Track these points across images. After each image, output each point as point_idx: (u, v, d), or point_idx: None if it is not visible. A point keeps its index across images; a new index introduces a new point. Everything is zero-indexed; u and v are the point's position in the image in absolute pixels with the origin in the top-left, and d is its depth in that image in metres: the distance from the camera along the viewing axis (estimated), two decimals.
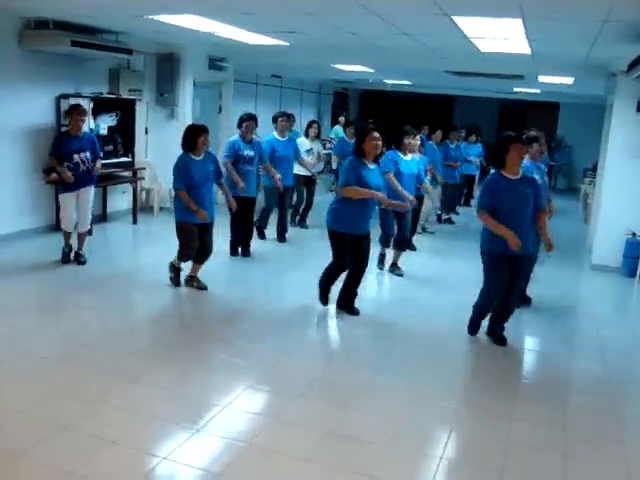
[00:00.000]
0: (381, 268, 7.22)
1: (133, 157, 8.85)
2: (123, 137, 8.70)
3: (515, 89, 13.57)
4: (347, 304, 5.62)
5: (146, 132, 9.31)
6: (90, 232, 7.93)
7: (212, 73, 10.13)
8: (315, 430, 3.62)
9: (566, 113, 16.76)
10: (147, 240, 8.58)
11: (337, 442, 3.52)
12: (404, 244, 7.23)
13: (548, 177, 6.74)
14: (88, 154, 6.46)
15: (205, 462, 3.24)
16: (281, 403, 3.97)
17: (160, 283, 6.04)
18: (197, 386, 4.13)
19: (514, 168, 4.82)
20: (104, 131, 8.35)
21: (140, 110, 8.95)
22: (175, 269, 6.03)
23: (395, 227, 7.02)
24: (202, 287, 6.05)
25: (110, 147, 8.51)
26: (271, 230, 8.38)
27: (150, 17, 6.43)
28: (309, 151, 9.07)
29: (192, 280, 6.09)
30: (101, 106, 8.20)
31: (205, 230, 5.94)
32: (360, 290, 5.65)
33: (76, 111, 6.45)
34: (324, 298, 5.70)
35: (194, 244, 5.89)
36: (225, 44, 8.46)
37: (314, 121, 9.63)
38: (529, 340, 5.48)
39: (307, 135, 9.28)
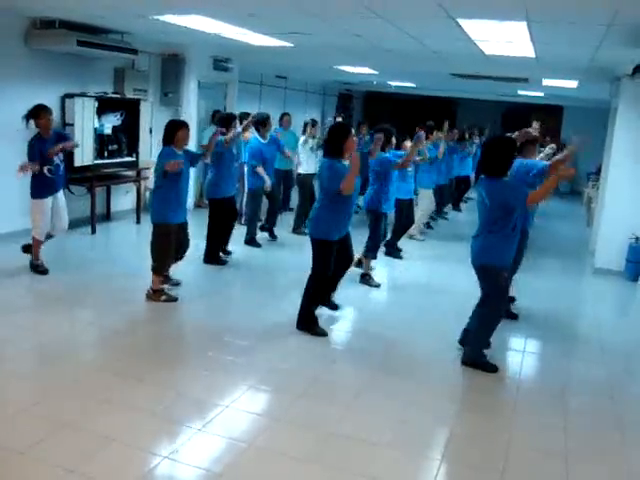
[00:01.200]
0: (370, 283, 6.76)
1: (137, 157, 8.87)
2: (127, 137, 8.73)
3: (519, 92, 13.56)
4: (327, 299, 5.57)
5: (150, 132, 9.31)
6: (94, 231, 7.98)
7: (217, 74, 10.15)
8: (316, 431, 3.63)
9: (570, 116, 16.74)
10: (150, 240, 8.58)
11: (338, 443, 3.53)
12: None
13: None
14: (61, 154, 6.22)
15: (206, 462, 3.25)
16: (282, 403, 3.98)
17: None
18: (199, 386, 4.14)
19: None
20: (108, 130, 8.38)
21: (145, 110, 8.97)
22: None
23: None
24: (173, 299, 5.73)
25: (114, 147, 8.54)
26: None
27: (155, 17, 6.45)
28: (312, 149, 9.13)
29: (159, 294, 5.69)
30: (106, 106, 8.22)
31: (182, 229, 5.78)
32: (360, 293, 5.62)
33: (46, 112, 6.02)
34: (318, 327, 5.17)
35: (172, 250, 5.66)
36: (230, 45, 8.48)
37: (316, 121, 9.68)
38: (530, 342, 5.47)
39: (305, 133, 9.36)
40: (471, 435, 3.79)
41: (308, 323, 5.16)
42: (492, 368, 4.65)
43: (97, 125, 8.09)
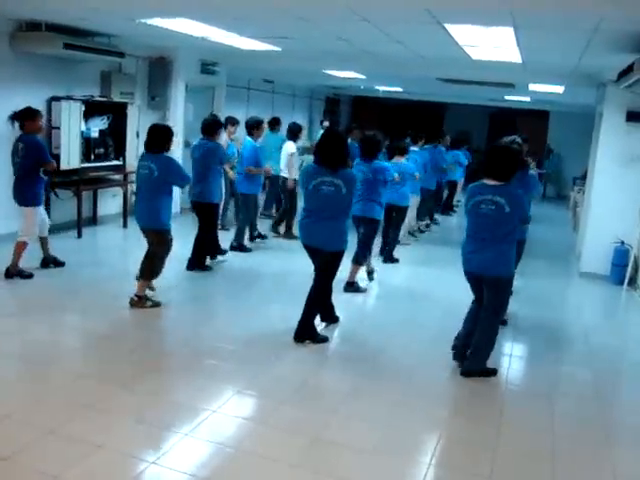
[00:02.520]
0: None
1: (124, 161, 8.82)
2: (114, 140, 8.67)
3: (506, 97, 13.65)
4: (331, 315, 5.59)
5: (137, 136, 9.27)
6: (80, 235, 7.93)
7: (204, 77, 10.14)
8: (303, 436, 3.62)
9: (556, 121, 16.86)
10: (137, 244, 8.49)
11: (324, 448, 3.52)
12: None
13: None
14: None
15: (193, 467, 3.23)
16: (269, 408, 3.96)
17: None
18: (185, 391, 4.12)
19: None
20: (95, 134, 8.33)
21: (132, 113, 8.92)
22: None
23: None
24: (157, 304, 5.66)
25: (101, 150, 8.49)
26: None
27: (143, 21, 6.43)
28: (293, 155, 9.02)
29: (144, 300, 5.60)
30: (92, 109, 8.16)
31: None
32: (344, 302, 5.66)
33: (39, 114, 6.25)
34: (319, 334, 5.19)
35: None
36: (217, 48, 8.47)
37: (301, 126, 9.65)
38: (517, 347, 5.50)
39: (296, 139, 9.26)
40: (458, 439, 3.80)
41: (311, 332, 5.10)
42: (493, 371, 4.70)
43: (84, 128, 8.03)
